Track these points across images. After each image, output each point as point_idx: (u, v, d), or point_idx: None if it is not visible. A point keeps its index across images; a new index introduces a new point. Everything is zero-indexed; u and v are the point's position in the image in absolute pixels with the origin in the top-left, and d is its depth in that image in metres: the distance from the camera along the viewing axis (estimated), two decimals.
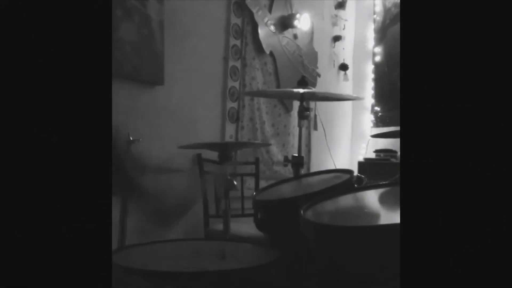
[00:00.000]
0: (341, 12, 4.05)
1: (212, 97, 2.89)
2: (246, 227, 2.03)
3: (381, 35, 4.18)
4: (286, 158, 2.00)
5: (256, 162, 2.87)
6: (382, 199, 1.08)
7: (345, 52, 4.12)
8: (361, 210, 1.06)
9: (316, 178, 1.48)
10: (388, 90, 4.07)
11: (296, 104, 2.44)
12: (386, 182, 1.15)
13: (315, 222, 0.86)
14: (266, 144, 3.15)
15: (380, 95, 4.14)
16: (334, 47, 4.03)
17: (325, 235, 0.81)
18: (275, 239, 1.16)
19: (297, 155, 1.98)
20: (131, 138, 1.83)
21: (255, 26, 3.13)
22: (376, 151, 3.85)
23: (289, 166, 1.98)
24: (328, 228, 0.83)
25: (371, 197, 1.09)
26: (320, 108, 3.43)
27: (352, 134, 4.30)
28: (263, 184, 2.82)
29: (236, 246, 0.93)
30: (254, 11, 3.09)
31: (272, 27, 3.26)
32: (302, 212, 0.90)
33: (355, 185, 1.15)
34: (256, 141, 3.10)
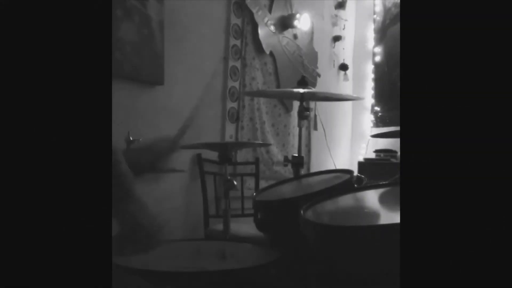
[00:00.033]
0: (341, 12, 4.04)
1: (212, 97, 2.89)
2: (246, 227, 2.02)
3: (381, 35, 4.18)
4: (286, 158, 1.99)
5: (256, 162, 2.87)
6: (382, 199, 1.08)
7: (345, 52, 4.12)
8: (361, 210, 1.06)
9: (316, 178, 1.48)
10: (388, 90, 4.07)
11: (296, 104, 2.44)
12: (386, 182, 1.15)
13: (315, 222, 0.86)
14: (266, 144, 3.15)
15: (380, 95, 4.14)
16: (334, 47, 4.03)
17: (325, 235, 0.81)
18: (275, 239, 1.16)
19: (297, 155, 1.98)
20: (131, 138, 1.83)
21: (255, 26, 3.13)
22: (376, 151, 3.85)
23: (289, 166, 1.98)
24: (328, 228, 0.83)
25: (371, 197, 1.09)
26: (320, 108, 3.43)
27: (352, 134, 4.30)
28: (263, 184, 2.82)
29: (236, 246, 0.93)
30: (254, 11, 3.09)
31: (272, 27, 3.25)
32: (302, 212, 0.90)
33: (355, 185, 1.15)
34: (256, 141, 3.10)
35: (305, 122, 2.17)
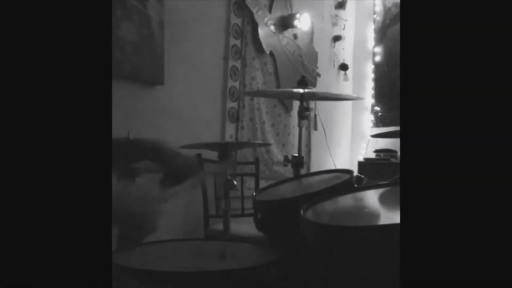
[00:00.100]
0: (341, 12, 4.05)
1: (212, 97, 2.89)
2: (246, 227, 2.02)
3: (381, 35, 4.19)
4: (286, 158, 1.99)
5: (256, 162, 2.87)
6: (382, 199, 1.08)
7: (345, 52, 4.13)
8: (361, 210, 1.06)
9: (316, 178, 1.48)
10: (388, 90, 4.07)
11: (296, 104, 2.44)
12: (386, 182, 1.15)
13: (315, 222, 0.86)
14: (266, 144, 3.15)
15: (380, 95, 4.14)
16: (334, 47, 4.03)
17: (325, 235, 0.81)
18: (275, 239, 1.16)
19: (297, 155, 1.98)
20: (131, 138, 1.83)
21: (255, 26, 3.13)
22: (376, 151, 3.85)
23: (289, 166, 1.98)
24: (328, 228, 0.83)
25: (371, 197, 1.09)
26: (320, 108, 3.43)
27: (352, 134, 4.30)
28: (263, 184, 2.82)
29: (236, 246, 0.93)
30: (254, 11, 3.09)
31: (272, 27, 3.26)
32: (302, 212, 0.90)
33: (355, 185, 1.15)
34: (256, 141, 3.10)
35: (305, 122, 2.17)
